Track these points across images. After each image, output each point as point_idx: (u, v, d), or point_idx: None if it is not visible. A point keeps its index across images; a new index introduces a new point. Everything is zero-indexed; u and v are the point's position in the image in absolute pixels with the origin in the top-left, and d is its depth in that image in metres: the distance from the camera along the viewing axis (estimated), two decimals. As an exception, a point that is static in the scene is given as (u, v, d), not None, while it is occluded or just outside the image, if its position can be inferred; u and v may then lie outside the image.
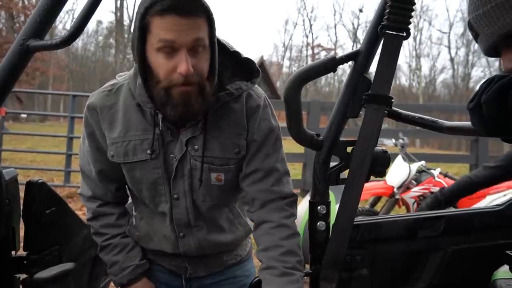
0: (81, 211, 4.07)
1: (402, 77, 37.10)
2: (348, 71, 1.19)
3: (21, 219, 1.05)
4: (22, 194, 1.04)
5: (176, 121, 0.99)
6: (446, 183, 3.71)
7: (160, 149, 1.02)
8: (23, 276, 1.04)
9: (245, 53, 1.05)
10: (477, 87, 0.72)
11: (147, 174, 1.04)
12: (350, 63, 1.15)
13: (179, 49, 0.90)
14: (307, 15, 45.38)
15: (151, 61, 0.93)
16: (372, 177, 1.17)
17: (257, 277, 1.10)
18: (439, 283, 1.32)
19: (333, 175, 1.18)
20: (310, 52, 39.70)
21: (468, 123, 1.09)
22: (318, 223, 1.18)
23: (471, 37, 0.72)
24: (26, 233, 1.05)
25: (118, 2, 36.32)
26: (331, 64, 1.11)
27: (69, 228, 1.18)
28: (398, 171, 3.70)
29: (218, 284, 1.18)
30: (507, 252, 1.07)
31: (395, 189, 3.67)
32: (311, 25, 45.75)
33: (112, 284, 1.55)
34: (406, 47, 34.65)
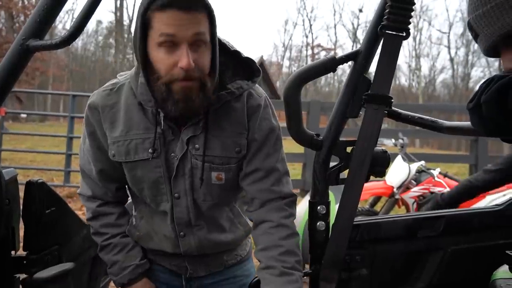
0: (81, 211, 4.07)
1: (402, 77, 37.15)
2: (348, 71, 1.19)
3: (21, 219, 1.05)
4: (22, 194, 1.03)
5: (177, 118, 0.99)
6: (446, 183, 3.71)
7: (162, 148, 1.02)
8: (22, 276, 1.04)
9: (245, 53, 1.05)
10: (477, 87, 0.72)
11: (149, 173, 1.04)
12: (350, 63, 1.15)
13: (180, 43, 0.91)
14: (307, 15, 45.44)
15: (153, 57, 0.94)
16: (371, 177, 1.17)
17: (257, 277, 1.10)
18: (439, 283, 1.32)
19: (332, 175, 1.18)
20: (310, 52, 39.73)
21: (467, 123, 1.09)
22: (318, 223, 1.18)
23: (470, 37, 0.72)
24: (26, 233, 1.05)
25: (118, 2, 36.35)
26: (330, 64, 1.11)
27: (68, 228, 1.18)
28: (398, 171, 3.70)
29: (218, 284, 1.18)
30: (506, 252, 1.07)
31: (394, 189, 3.67)
32: (311, 25, 45.80)
33: (112, 284, 1.55)
34: (406, 47, 34.75)
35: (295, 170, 6.34)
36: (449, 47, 35.13)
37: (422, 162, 3.90)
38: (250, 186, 1.06)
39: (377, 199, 3.94)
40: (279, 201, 1.06)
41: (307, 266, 1.23)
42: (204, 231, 1.09)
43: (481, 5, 0.65)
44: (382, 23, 1.08)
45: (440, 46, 36.29)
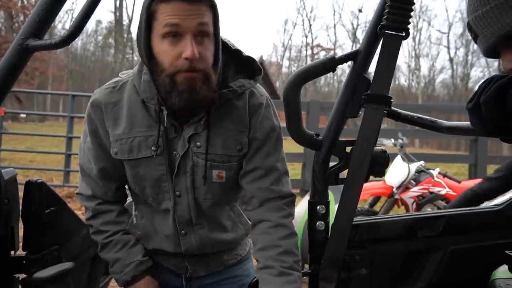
0: (80, 211, 4.06)
1: (401, 77, 37.16)
2: (347, 71, 1.19)
3: (20, 219, 1.05)
4: (21, 194, 1.03)
5: (181, 112, 0.99)
6: (445, 183, 3.71)
7: (164, 146, 1.02)
8: (22, 276, 1.04)
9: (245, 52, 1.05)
10: (476, 87, 0.72)
11: (152, 170, 1.04)
12: (349, 63, 1.15)
13: (184, 34, 0.92)
14: (306, 15, 45.44)
15: (157, 50, 0.95)
16: (371, 177, 1.17)
17: (256, 276, 1.10)
18: (438, 282, 1.33)
19: (332, 175, 1.18)
20: (309, 52, 39.73)
21: (467, 123, 1.09)
22: (317, 223, 1.18)
23: (470, 37, 0.72)
24: (25, 233, 1.05)
25: (118, 2, 36.31)
26: (330, 64, 1.11)
27: (68, 228, 1.18)
28: (397, 171, 3.70)
29: (218, 284, 1.18)
30: (506, 252, 1.07)
31: (394, 189, 3.67)
32: (310, 25, 45.81)
33: (111, 284, 1.55)
34: (405, 47, 34.74)
35: (294, 170, 6.34)
36: (448, 47, 35.17)
37: (422, 162, 3.90)
38: (249, 184, 1.06)
39: (377, 199, 3.94)
40: (278, 201, 1.06)
41: (306, 266, 1.23)
42: (205, 229, 1.09)
43: (481, 6, 0.65)
44: (381, 23, 1.08)
45: (440, 46, 36.34)
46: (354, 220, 1.16)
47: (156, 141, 1.01)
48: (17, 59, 0.91)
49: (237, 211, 1.17)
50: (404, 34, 1.09)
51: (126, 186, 1.15)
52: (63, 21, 31.97)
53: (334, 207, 1.18)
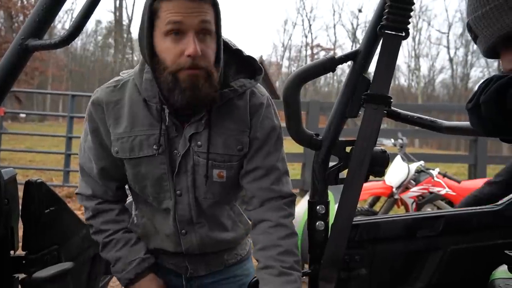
0: (80, 210, 4.06)
1: (401, 77, 37.18)
2: (347, 71, 1.19)
3: (20, 218, 1.05)
4: (21, 193, 1.03)
5: (184, 109, 0.99)
6: (445, 183, 3.72)
7: (166, 145, 1.02)
8: (22, 275, 1.04)
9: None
10: (476, 87, 0.72)
11: (154, 169, 1.04)
12: (349, 63, 1.15)
13: (186, 31, 0.92)
14: (306, 15, 45.48)
15: (159, 48, 0.95)
16: (371, 177, 1.17)
17: (256, 276, 1.10)
18: (438, 282, 1.33)
19: (332, 175, 1.18)
20: (309, 52, 39.74)
21: (467, 123, 1.09)
22: (317, 223, 1.18)
23: (470, 37, 0.72)
24: (25, 232, 1.05)
25: (117, 2, 36.31)
26: (330, 64, 1.11)
27: (68, 228, 1.18)
28: (397, 171, 3.70)
29: (218, 283, 1.18)
30: (505, 252, 1.07)
31: (394, 189, 3.68)
32: (310, 25, 45.82)
33: (111, 284, 1.54)
34: (405, 47, 34.77)
35: (294, 170, 6.34)
36: (448, 47, 35.18)
37: (421, 162, 3.91)
38: (250, 184, 1.06)
39: (376, 199, 3.94)
40: (279, 201, 1.06)
41: (306, 266, 1.23)
42: (206, 229, 1.10)
43: (480, 6, 0.65)
44: (381, 23, 1.08)
45: (440, 46, 36.37)
46: (354, 220, 1.16)
47: (158, 139, 1.01)
48: (16, 59, 0.91)
49: (237, 211, 1.17)
50: (404, 34, 1.09)
51: (126, 186, 1.15)
52: (63, 21, 32.00)
53: (334, 207, 1.18)
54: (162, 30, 0.93)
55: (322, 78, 34.68)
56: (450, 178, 3.82)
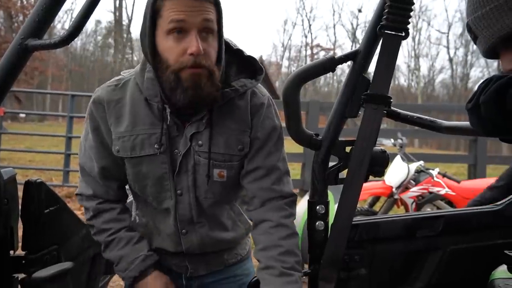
0: (80, 210, 4.06)
1: (401, 77, 37.19)
2: (347, 71, 1.19)
3: (20, 218, 1.05)
4: (20, 193, 1.03)
5: (186, 108, 0.99)
6: (445, 183, 3.72)
7: (167, 144, 1.02)
8: (21, 275, 1.04)
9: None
10: (475, 87, 0.72)
11: (155, 168, 1.04)
12: (349, 63, 1.15)
13: (189, 30, 0.92)
14: (306, 15, 45.48)
15: (161, 47, 0.95)
16: (371, 177, 1.17)
17: (256, 276, 1.10)
18: (438, 282, 1.33)
19: (332, 175, 1.18)
20: (309, 52, 39.74)
21: (466, 123, 1.09)
22: (317, 223, 1.18)
23: (469, 37, 0.72)
24: (25, 232, 1.05)
25: (117, 2, 36.29)
26: (330, 64, 1.11)
27: (67, 228, 1.18)
28: (397, 171, 3.70)
29: (218, 283, 1.18)
30: (505, 252, 1.07)
31: (393, 189, 3.68)
32: (310, 25, 45.82)
33: (111, 284, 1.54)
34: (405, 47, 34.78)
35: (294, 170, 6.33)
36: (448, 47, 35.19)
37: (421, 162, 3.91)
38: (250, 184, 1.06)
39: (376, 199, 3.94)
40: (280, 201, 1.06)
41: (306, 266, 1.23)
42: (206, 228, 1.10)
43: (480, 7, 0.65)
44: (381, 23, 1.08)
45: (439, 46, 36.38)
46: (353, 220, 1.16)
47: (159, 139, 1.01)
48: (16, 59, 0.91)
49: (237, 210, 1.17)
50: (403, 34, 1.09)
51: (127, 186, 1.15)
52: (63, 21, 31.97)
53: (333, 207, 1.18)
54: (165, 28, 0.93)
55: (322, 78, 34.69)
56: (449, 178, 3.82)
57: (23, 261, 1.03)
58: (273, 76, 33.37)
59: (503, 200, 1.42)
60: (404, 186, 3.69)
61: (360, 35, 34.85)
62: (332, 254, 1.14)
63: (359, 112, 1.16)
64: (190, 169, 1.04)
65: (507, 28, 0.63)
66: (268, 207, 1.06)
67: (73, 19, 0.90)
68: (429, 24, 41.34)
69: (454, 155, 11.13)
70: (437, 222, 1.31)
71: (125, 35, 36.86)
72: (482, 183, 3.96)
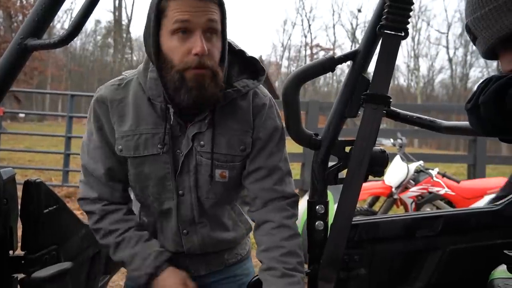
0: (79, 210, 4.05)
1: (401, 77, 37.20)
2: (346, 71, 1.19)
3: (19, 218, 1.05)
4: (20, 193, 1.03)
5: (190, 108, 0.99)
6: (444, 183, 3.72)
7: (170, 144, 1.02)
8: (21, 275, 1.04)
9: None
10: (475, 88, 0.72)
11: (158, 169, 1.03)
12: (348, 63, 1.15)
13: (194, 30, 0.92)
14: (305, 15, 45.47)
15: (165, 47, 0.95)
16: (370, 177, 1.18)
17: (256, 276, 1.10)
18: (437, 282, 1.33)
19: (331, 175, 1.18)
20: (308, 52, 39.76)
21: (466, 123, 1.09)
22: (316, 223, 1.18)
23: (469, 38, 0.72)
24: (24, 232, 1.05)
25: (117, 2, 36.27)
26: (329, 64, 1.11)
27: (67, 228, 1.17)
28: (397, 171, 3.70)
29: (218, 283, 1.18)
30: (504, 251, 1.07)
31: (393, 189, 3.68)
32: (309, 25, 45.79)
33: (110, 284, 1.54)
34: (405, 47, 34.78)
35: (293, 170, 6.30)
36: (447, 47, 35.21)
37: (421, 162, 3.91)
38: (252, 184, 1.06)
39: (376, 199, 3.94)
40: (282, 201, 1.06)
41: (305, 266, 1.23)
42: (207, 229, 1.09)
43: (479, 7, 0.65)
44: (380, 23, 1.08)
45: (439, 46, 36.38)
46: (353, 220, 1.16)
47: (163, 138, 1.01)
48: (15, 59, 0.91)
49: (238, 211, 1.17)
50: (403, 34, 1.09)
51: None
52: (62, 21, 31.95)
53: (333, 207, 1.19)
54: (169, 28, 0.93)
55: (322, 78, 34.70)
56: (449, 178, 3.83)
57: (23, 261, 1.03)
58: (273, 76, 33.38)
59: (502, 200, 1.42)
60: (403, 186, 3.69)
61: (360, 35, 34.87)
62: (332, 254, 1.14)
63: (359, 112, 1.16)
64: (192, 170, 1.04)
65: (506, 29, 0.63)
66: (270, 208, 1.05)
67: (72, 19, 0.90)
68: (428, 24, 41.38)
69: (453, 155, 11.14)
70: (437, 222, 1.31)
71: (124, 35, 36.85)
72: (482, 183, 3.97)
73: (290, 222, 1.05)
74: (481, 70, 32.69)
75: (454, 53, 35.19)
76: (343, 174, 1.18)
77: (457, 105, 7.09)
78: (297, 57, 40.44)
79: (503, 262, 1.10)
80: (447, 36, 35.40)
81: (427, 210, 3.60)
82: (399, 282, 1.33)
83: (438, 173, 3.77)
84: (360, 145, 1.12)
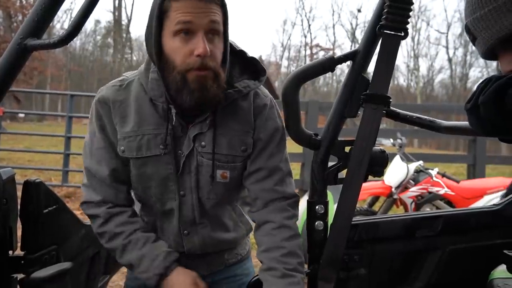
0: (79, 210, 4.05)
1: (400, 77, 37.23)
2: (346, 71, 1.19)
3: (19, 218, 1.05)
4: (19, 193, 1.03)
5: (192, 109, 0.99)
6: (444, 183, 3.72)
7: (172, 145, 1.02)
8: (20, 275, 1.04)
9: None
10: (475, 88, 0.72)
11: (160, 169, 1.03)
12: (348, 63, 1.15)
13: (196, 31, 0.92)
14: (305, 15, 45.47)
15: (167, 48, 0.95)
16: (370, 177, 1.18)
17: (256, 276, 1.10)
18: (437, 282, 1.33)
19: (331, 175, 1.19)
20: (308, 52, 39.77)
21: (465, 123, 1.09)
22: (316, 223, 1.18)
23: (468, 38, 0.72)
24: (24, 232, 1.05)
25: (117, 2, 36.28)
26: (329, 64, 1.11)
27: (66, 228, 1.17)
28: (396, 171, 3.71)
29: (218, 283, 1.18)
30: (504, 251, 1.07)
31: (393, 189, 3.68)
32: (309, 25, 45.79)
33: (110, 284, 1.54)
34: (404, 47, 34.81)
35: (293, 170, 6.32)
36: (447, 47, 35.24)
37: (421, 162, 3.91)
38: (253, 185, 1.06)
39: (376, 199, 3.94)
40: (282, 202, 1.06)
41: (305, 266, 1.23)
42: (208, 229, 1.10)
43: (479, 8, 0.65)
44: (380, 23, 1.08)
45: (439, 46, 36.41)
46: (353, 220, 1.16)
47: (165, 139, 1.01)
48: (15, 59, 0.91)
49: (239, 211, 1.17)
50: (403, 34, 1.09)
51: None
52: (62, 21, 31.95)
53: (333, 207, 1.19)
54: (172, 29, 0.93)
55: (321, 78, 34.72)
56: (449, 178, 3.83)
57: (22, 261, 1.03)
58: (273, 76, 33.40)
59: (502, 200, 1.42)
60: (403, 186, 3.69)
61: (360, 35, 34.89)
62: (332, 254, 1.14)
63: (359, 112, 1.16)
64: (193, 170, 1.04)
65: (505, 29, 0.62)
66: (271, 208, 1.05)
67: (72, 19, 0.90)
68: (428, 24, 41.37)
69: (453, 155, 11.15)
70: (436, 222, 1.32)
71: (124, 35, 36.86)
72: (481, 183, 3.97)
73: (290, 223, 1.05)
74: (480, 70, 32.74)
75: (454, 53, 35.25)
76: (343, 174, 1.18)
77: (456, 105, 7.09)
78: (297, 57, 40.49)
79: (503, 262, 1.10)
80: (446, 36, 35.45)
81: (427, 210, 3.60)
82: (399, 282, 1.33)
83: (438, 173, 3.78)
84: (360, 145, 1.12)
